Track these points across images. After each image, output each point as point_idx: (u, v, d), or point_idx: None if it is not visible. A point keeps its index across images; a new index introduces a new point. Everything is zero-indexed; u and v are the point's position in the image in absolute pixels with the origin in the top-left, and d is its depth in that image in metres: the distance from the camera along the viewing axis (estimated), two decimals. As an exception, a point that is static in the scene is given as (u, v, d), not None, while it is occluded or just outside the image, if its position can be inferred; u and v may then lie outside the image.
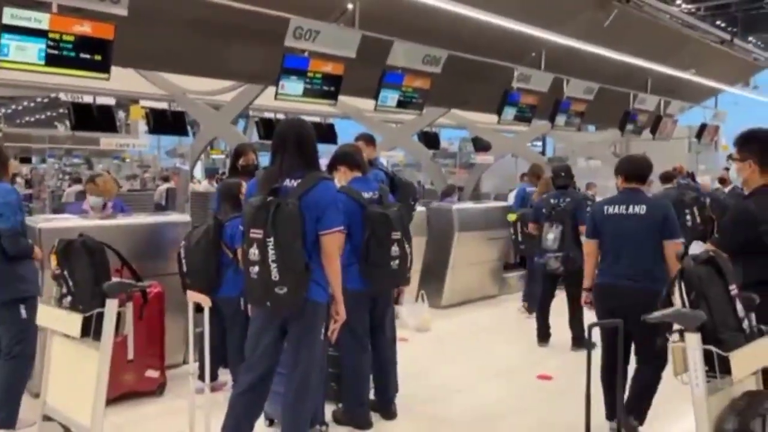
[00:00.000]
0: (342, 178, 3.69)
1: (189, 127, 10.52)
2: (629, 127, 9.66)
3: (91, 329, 2.85)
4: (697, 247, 3.16)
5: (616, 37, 7.65)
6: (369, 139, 4.54)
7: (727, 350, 2.32)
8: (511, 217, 6.92)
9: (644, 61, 8.55)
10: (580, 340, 5.26)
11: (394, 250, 3.50)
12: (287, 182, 2.81)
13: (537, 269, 5.82)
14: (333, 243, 2.82)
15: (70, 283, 2.98)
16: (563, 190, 5.50)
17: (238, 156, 4.58)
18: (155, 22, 5.10)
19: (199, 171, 17.49)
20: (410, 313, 5.87)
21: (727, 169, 9.02)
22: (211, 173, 15.04)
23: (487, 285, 7.32)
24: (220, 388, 4.01)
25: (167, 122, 8.17)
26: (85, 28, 4.32)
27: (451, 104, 9.24)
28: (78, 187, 9.93)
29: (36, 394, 3.35)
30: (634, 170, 3.63)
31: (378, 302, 3.70)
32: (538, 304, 5.63)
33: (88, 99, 7.60)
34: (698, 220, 6.81)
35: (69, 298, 2.99)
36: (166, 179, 12.46)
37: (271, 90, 5.76)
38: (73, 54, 4.31)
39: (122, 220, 4.42)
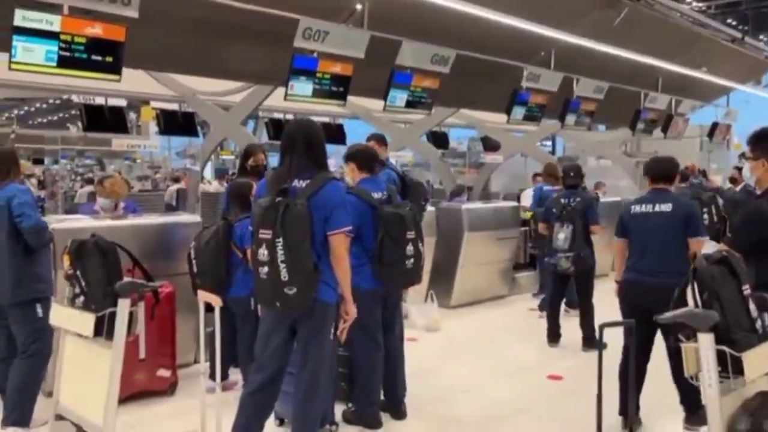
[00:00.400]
0: (350, 175, 3.71)
1: (199, 128, 10.60)
2: (640, 126, 9.61)
3: (103, 329, 2.87)
4: (710, 247, 3.14)
5: (627, 36, 7.61)
6: (381, 140, 4.55)
7: (740, 350, 2.30)
8: (526, 214, 6.94)
9: (655, 60, 8.50)
10: (590, 341, 5.23)
11: (409, 249, 3.52)
12: (296, 183, 2.82)
13: (547, 269, 5.80)
14: (341, 243, 2.82)
15: (83, 283, 3.00)
16: (573, 190, 5.48)
17: (248, 156, 4.59)
18: (165, 24, 5.14)
19: (209, 171, 17.59)
20: (420, 313, 5.87)
21: (739, 168, 8.94)
22: (221, 174, 15.10)
23: (496, 285, 7.30)
24: (231, 388, 4.03)
25: (178, 123, 8.23)
26: (97, 29, 4.35)
27: (460, 104, 9.24)
28: (90, 188, 10.02)
29: (49, 393, 3.38)
30: (659, 171, 3.73)
31: (389, 301, 3.71)
32: (548, 304, 5.61)
33: (99, 100, 7.66)
34: (715, 218, 6.79)
35: (82, 298, 3.01)
36: (176, 180, 12.55)
37: (280, 91, 5.78)
38: (84, 56, 4.35)
39: (134, 221, 4.45)
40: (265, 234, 2.68)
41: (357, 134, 10.80)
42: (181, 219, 4.67)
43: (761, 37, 19.52)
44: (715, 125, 11.53)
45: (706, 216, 6.73)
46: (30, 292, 3.31)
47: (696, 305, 2.43)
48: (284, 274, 2.66)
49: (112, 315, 2.85)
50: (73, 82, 6.40)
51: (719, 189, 8.29)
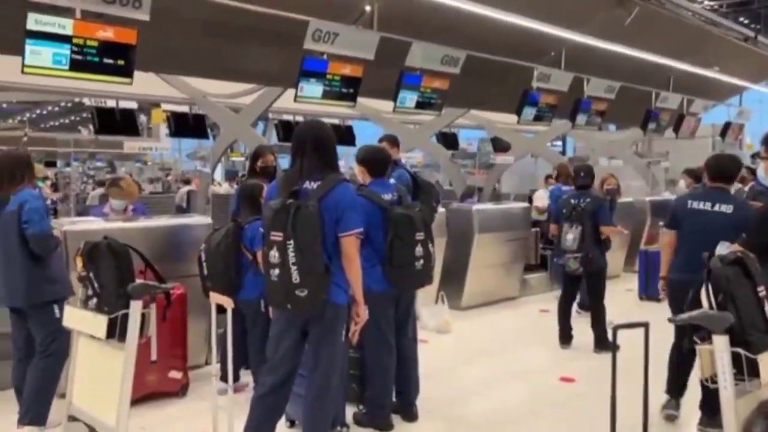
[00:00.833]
0: (361, 177, 3.70)
1: (209, 130, 10.65)
2: (651, 125, 9.54)
3: (116, 330, 2.89)
4: (723, 248, 3.10)
5: (638, 35, 7.56)
6: (393, 141, 4.53)
7: (755, 353, 2.29)
8: (540, 215, 6.98)
9: (666, 59, 8.45)
10: (602, 342, 5.20)
11: (418, 250, 3.51)
12: (307, 184, 2.82)
13: (557, 270, 5.78)
14: (352, 245, 2.82)
15: (96, 285, 3.03)
16: (584, 190, 5.44)
17: (256, 158, 4.61)
18: (176, 26, 5.17)
19: (219, 173, 17.67)
20: (430, 314, 5.85)
21: (749, 168, 8.86)
22: (231, 175, 15.16)
23: (507, 286, 7.27)
24: (242, 390, 4.04)
25: (188, 125, 8.28)
26: (108, 33, 4.37)
27: (470, 105, 9.23)
28: (101, 191, 10.09)
29: (62, 395, 3.40)
30: (719, 170, 3.69)
31: (401, 303, 3.71)
32: (559, 306, 5.58)
33: (111, 103, 7.72)
34: None
35: (95, 300, 3.04)
36: (186, 182, 12.61)
37: (290, 92, 5.80)
38: (96, 59, 4.37)
39: (145, 223, 4.48)
40: (277, 236, 2.69)
41: (366, 135, 10.82)
42: (192, 221, 4.69)
43: (774, 35, 19.30)
44: (727, 125, 11.43)
45: None
46: (45, 294, 3.34)
47: (711, 307, 2.41)
48: (295, 276, 2.66)
49: (125, 317, 2.87)
50: (85, 85, 6.45)
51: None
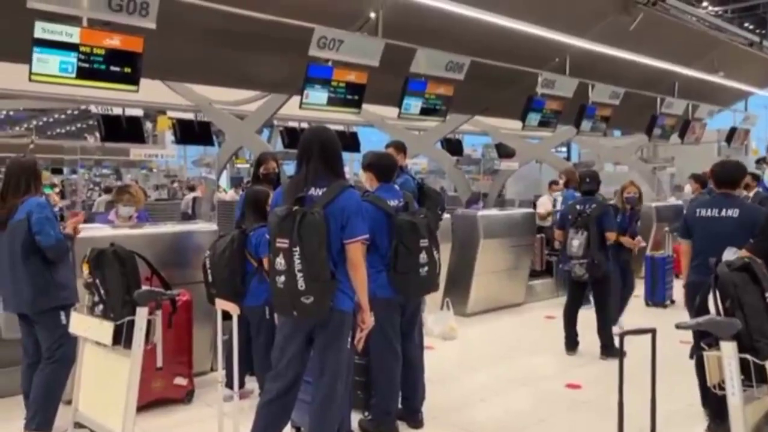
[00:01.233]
0: (368, 183, 3.71)
1: (215, 137, 10.68)
2: (656, 131, 9.52)
3: (122, 337, 2.90)
4: (731, 254, 3.08)
5: (642, 41, 7.55)
6: (399, 147, 4.54)
7: (763, 359, 2.27)
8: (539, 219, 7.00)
9: (671, 65, 8.43)
10: (609, 348, 5.17)
11: (423, 257, 3.50)
12: (312, 191, 2.82)
13: (562, 276, 5.78)
14: (358, 251, 2.82)
15: (102, 292, 3.04)
16: (589, 196, 5.43)
17: (259, 165, 4.63)
18: (182, 34, 5.19)
19: (224, 180, 17.72)
20: (436, 321, 5.84)
21: (753, 174, 8.85)
22: (236, 182, 15.22)
23: (513, 292, 7.25)
24: (248, 396, 4.04)
25: (194, 132, 8.30)
26: (115, 41, 4.39)
27: (475, 111, 9.22)
28: (108, 197, 10.14)
29: (68, 401, 3.41)
30: (724, 176, 3.79)
31: (406, 309, 3.70)
32: (564, 312, 5.55)
33: (117, 111, 7.75)
34: None
35: (101, 306, 3.05)
36: (192, 189, 12.66)
37: (295, 99, 5.81)
38: (103, 67, 4.39)
39: (151, 229, 4.49)
40: (282, 243, 2.69)
41: (371, 142, 10.84)
42: (198, 227, 4.70)
43: (779, 40, 19.26)
44: (733, 130, 11.39)
45: None
46: (53, 300, 3.36)
47: (718, 313, 2.40)
48: (301, 283, 2.66)
49: (131, 323, 2.88)
50: (91, 93, 6.47)
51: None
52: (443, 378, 4.57)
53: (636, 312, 5.52)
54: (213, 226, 4.71)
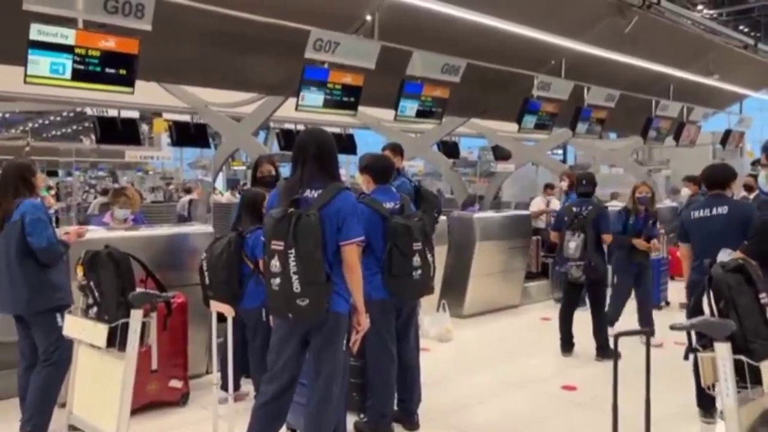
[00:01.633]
0: (364, 185, 3.70)
1: (211, 139, 10.67)
2: (652, 134, 9.55)
3: (116, 340, 2.89)
4: (725, 255, 3.10)
5: (637, 44, 7.58)
6: (396, 149, 4.54)
7: (758, 360, 2.28)
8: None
9: (666, 68, 8.47)
10: (604, 350, 5.18)
11: (416, 260, 3.49)
12: (308, 193, 2.82)
13: (558, 278, 5.78)
14: (354, 253, 2.82)
15: (96, 294, 3.03)
16: (586, 198, 5.44)
17: (257, 167, 4.63)
18: (177, 36, 5.19)
19: (221, 182, 17.70)
20: (432, 322, 5.84)
21: (752, 175, 8.88)
22: (233, 184, 15.19)
23: (508, 294, 7.26)
24: (243, 398, 4.02)
25: (190, 134, 8.30)
26: (110, 43, 4.39)
27: (471, 113, 9.23)
28: (104, 199, 10.10)
29: (62, 404, 3.40)
30: (713, 178, 3.93)
31: (402, 311, 3.70)
32: (560, 314, 5.56)
33: (112, 113, 7.75)
34: None
35: (95, 309, 3.04)
36: (188, 191, 12.63)
37: (291, 101, 5.81)
38: (98, 69, 4.39)
39: (146, 231, 4.48)
40: (278, 245, 2.69)
41: (368, 144, 10.85)
42: (193, 230, 4.69)
43: (774, 43, 19.36)
44: (728, 133, 11.44)
45: None
46: (48, 301, 3.34)
47: (712, 314, 2.40)
48: (296, 286, 2.66)
49: (125, 326, 2.87)
50: (87, 95, 6.48)
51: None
52: (439, 380, 4.57)
53: (631, 314, 5.52)
54: (209, 229, 4.70)
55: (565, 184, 7.24)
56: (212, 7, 4.67)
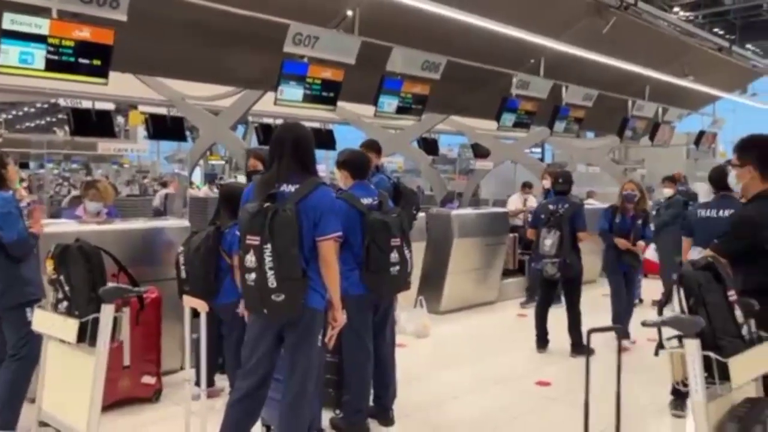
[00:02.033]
0: (342, 181, 3.69)
1: (188, 133, 10.53)
2: (628, 133, 9.68)
3: (87, 335, 2.84)
4: (696, 253, 3.16)
5: (615, 45, 7.67)
6: (372, 146, 4.53)
7: (726, 356, 2.31)
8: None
9: (642, 68, 8.57)
10: (579, 346, 5.24)
11: (394, 256, 3.50)
12: (284, 187, 2.80)
13: (534, 275, 5.82)
14: (330, 249, 2.81)
15: (66, 288, 2.97)
16: (562, 196, 5.49)
17: (246, 161, 4.59)
18: (154, 28, 5.11)
19: (198, 176, 17.50)
20: (409, 318, 5.86)
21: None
22: (210, 179, 15.03)
23: (486, 291, 7.31)
24: (217, 395, 3.99)
25: (166, 127, 8.18)
26: (85, 33, 4.32)
27: (450, 110, 9.25)
28: (75, 193, 9.93)
29: (32, 399, 3.33)
30: (720, 179, 4.03)
31: (379, 307, 3.70)
32: (536, 310, 5.62)
33: (87, 104, 7.60)
34: None
35: (65, 303, 2.98)
36: (164, 185, 12.46)
37: (270, 95, 5.76)
38: (72, 59, 4.32)
39: (120, 225, 4.41)
40: (253, 240, 2.66)
41: (347, 140, 10.79)
42: (168, 224, 4.63)
43: (748, 46, 19.78)
44: (701, 133, 11.65)
45: None
46: (19, 296, 3.28)
47: (682, 311, 2.43)
48: (272, 281, 2.64)
49: (96, 321, 2.82)
50: (62, 86, 6.36)
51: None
52: (416, 376, 4.59)
53: (605, 310, 5.60)
54: (185, 223, 4.65)
55: (547, 183, 7.30)
56: (190, -2, 4.61)
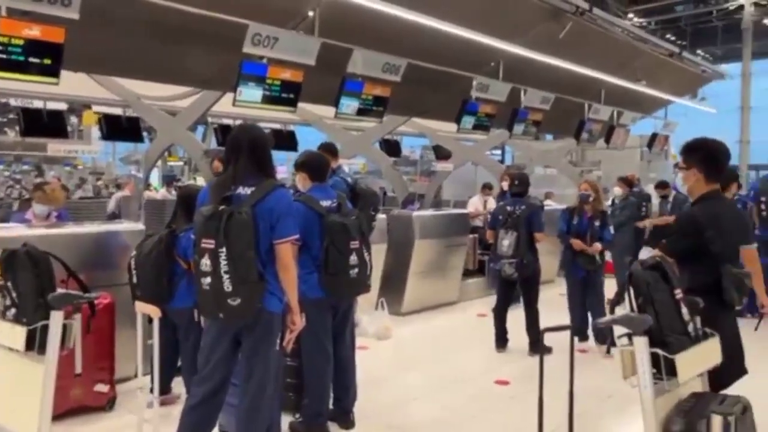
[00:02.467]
0: (301, 183, 3.68)
1: (146, 134, 10.30)
2: (584, 136, 9.90)
3: (35, 343, 2.75)
4: (645, 253, 3.25)
5: (571, 49, 7.84)
6: (328, 148, 4.52)
7: (673, 353, 2.39)
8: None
9: (598, 73, 8.78)
10: (537, 345, 5.32)
11: (353, 258, 3.50)
12: (240, 190, 2.77)
13: (493, 275, 5.90)
14: (288, 252, 2.79)
15: (14, 295, 2.87)
16: (519, 198, 5.58)
17: (211, 163, 4.52)
18: (108, 26, 4.98)
19: (156, 178, 17.14)
20: (370, 321, 5.87)
21: (663, 182, 9.45)
22: (168, 180, 14.71)
23: (446, 291, 7.38)
24: (173, 402, 3.92)
25: (121, 128, 7.97)
26: (35, 32, 4.20)
27: (412, 112, 9.30)
28: (27, 195, 9.60)
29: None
30: None
31: (339, 310, 3.69)
32: (495, 310, 5.69)
33: (38, 104, 7.36)
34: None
35: (13, 311, 2.88)
36: (119, 187, 12.16)
37: (229, 96, 5.69)
38: (22, 58, 4.20)
39: (70, 229, 4.29)
40: (208, 243, 2.63)
41: (309, 141, 10.71)
42: (122, 227, 4.52)
43: (698, 51, 20.53)
44: (654, 136, 12.01)
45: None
46: None
47: (632, 310, 2.51)
48: (227, 285, 2.61)
49: (45, 328, 2.74)
50: (12, 86, 6.15)
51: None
52: (377, 378, 4.59)
53: (562, 310, 5.71)
54: (139, 226, 4.55)
55: (505, 184, 7.41)
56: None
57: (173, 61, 5.92)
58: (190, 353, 3.59)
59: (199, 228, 2.69)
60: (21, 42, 4.16)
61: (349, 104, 6.36)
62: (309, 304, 3.12)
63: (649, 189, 9.67)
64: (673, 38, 19.92)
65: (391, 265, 6.61)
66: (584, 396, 3.69)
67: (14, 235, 3.67)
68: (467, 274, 7.85)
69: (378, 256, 5.92)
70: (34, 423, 2.76)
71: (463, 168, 12.20)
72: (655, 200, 9.12)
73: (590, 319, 5.53)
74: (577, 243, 5.44)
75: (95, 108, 9.26)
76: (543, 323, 5.45)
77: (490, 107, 7.86)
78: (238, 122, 9.33)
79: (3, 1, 3.99)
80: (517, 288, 5.69)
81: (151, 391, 3.39)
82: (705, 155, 2.98)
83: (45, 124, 7.15)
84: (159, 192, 12.82)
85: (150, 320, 3.20)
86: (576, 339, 4.96)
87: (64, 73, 4.45)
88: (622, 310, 2.54)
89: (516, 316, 5.60)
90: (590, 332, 5.55)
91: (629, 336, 2.40)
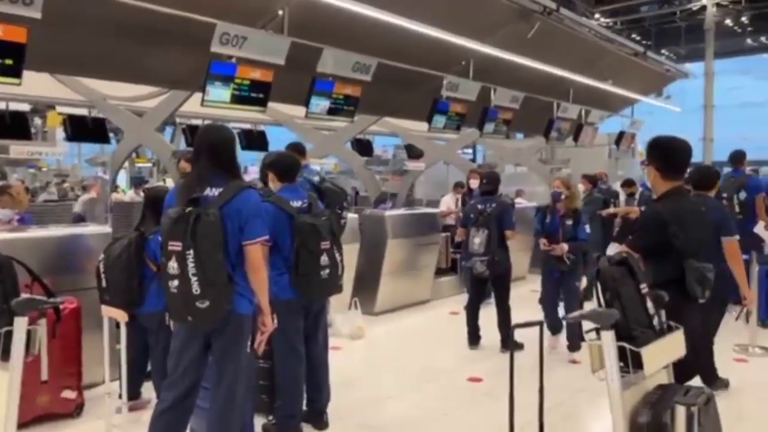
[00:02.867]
0: (271, 183, 3.65)
1: (113, 135, 10.09)
2: (553, 134, 10.04)
3: (-1, 349, 2.68)
4: (613, 249, 3.31)
5: (540, 49, 7.94)
6: (296, 148, 4.50)
7: (639, 346, 2.44)
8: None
9: (566, 72, 8.91)
10: (509, 341, 5.38)
11: (324, 259, 3.49)
12: (208, 191, 2.74)
13: (465, 273, 5.93)
14: (257, 253, 2.77)
15: (-25, 301, 2.79)
16: (490, 196, 5.64)
17: (177, 163, 4.44)
18: (71, 25, 4.87)
19: (124, 180, 16.82)
20: (344, 321, 5.86)
21: (629, 180, 9.71)
22: (137, 182, 14.44)
23: (419, 290, 7.41)
24: (143, 407, 3.85)
25: (87, 129, 7.80)
26: (-5, 31, 4.08)
27: (383, 112, 9.31)
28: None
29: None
30: (699, 180, 4.23)
31: (310, 311, 3.67)
32: (467, 307, 5.74)
33: (0, 105, 7.16)
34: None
35: (-26, 317, 2.80)
36: (85, 189, 11.87)
37: (197, 96, 5.61)
38: (-19, 58, 4.07)
39: (34, 233, 4.19)
40: (175, 246, 2.59)
41: (280, 141, 10.63)
42: (88, 230, 4.43)
43: (663, 51, 21.02)
44: (621, 134, 12.24)
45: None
46: None
47: (599, 304, 2.56)
48: (196, 288, 2.58)
49: (9, 334, 2.67)
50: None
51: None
52: (350, 378, 4.59)
53: (532, 306, 5.78)
54: (106, 229, 4.46)
55: (474, 183, 7.47)
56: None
57: (139, 60, 5.81)
58: (161, 357, 3.53)
59: (165, 230, 2.65)
60: (-20, 42, 4.04)
61: (320, 104, 6.33)
62: (280, 306, 3.10)
63: (617, 186, 9.86)
64: (638, 38, 20.35)
65: (364, 264, 6.61)
66: (555, 391, 3.76)
67: (-25, 240, 3.57)
68: (440, 272, 7.90)
69: (351, 255, 5.91)
70: (-2, 432, 2.70)
71: (435, 167, 12.26)
72: (623, 197, 9.31)
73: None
74: (543, 242, 5.26)
75: (59, 109, 9.05)
76: (514, 320, 5.51)
77: (461, 106, 7.91)
78: (208, 122, 9.23)
79: (-38, 1, 3.87)
80: (488, 285, 5.74)
81: (120, 396, 3.33)
82: (661, 153, 3.05)
83: (7, 125, 6.97)
84: (127, 194, 12.59)
85: (117, 325, 3.14)
86: (549, 334, 5.02)
87: (27, 74, 4.34)
88: (590, 305, 2.59)
89: (488, 314, 5.65)
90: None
91: (597, 330, 2.45)
